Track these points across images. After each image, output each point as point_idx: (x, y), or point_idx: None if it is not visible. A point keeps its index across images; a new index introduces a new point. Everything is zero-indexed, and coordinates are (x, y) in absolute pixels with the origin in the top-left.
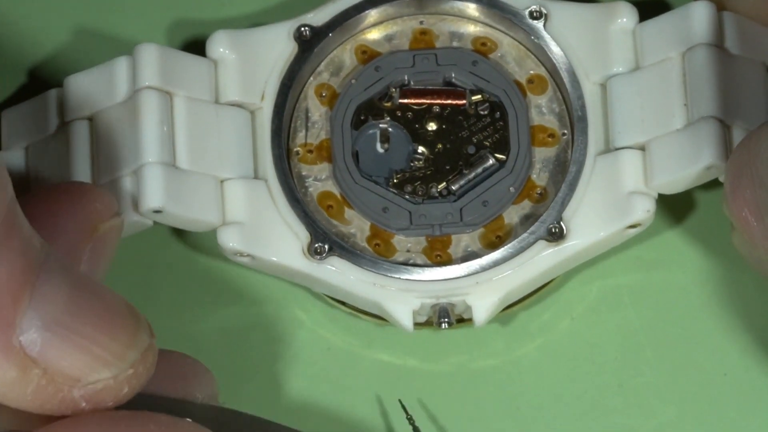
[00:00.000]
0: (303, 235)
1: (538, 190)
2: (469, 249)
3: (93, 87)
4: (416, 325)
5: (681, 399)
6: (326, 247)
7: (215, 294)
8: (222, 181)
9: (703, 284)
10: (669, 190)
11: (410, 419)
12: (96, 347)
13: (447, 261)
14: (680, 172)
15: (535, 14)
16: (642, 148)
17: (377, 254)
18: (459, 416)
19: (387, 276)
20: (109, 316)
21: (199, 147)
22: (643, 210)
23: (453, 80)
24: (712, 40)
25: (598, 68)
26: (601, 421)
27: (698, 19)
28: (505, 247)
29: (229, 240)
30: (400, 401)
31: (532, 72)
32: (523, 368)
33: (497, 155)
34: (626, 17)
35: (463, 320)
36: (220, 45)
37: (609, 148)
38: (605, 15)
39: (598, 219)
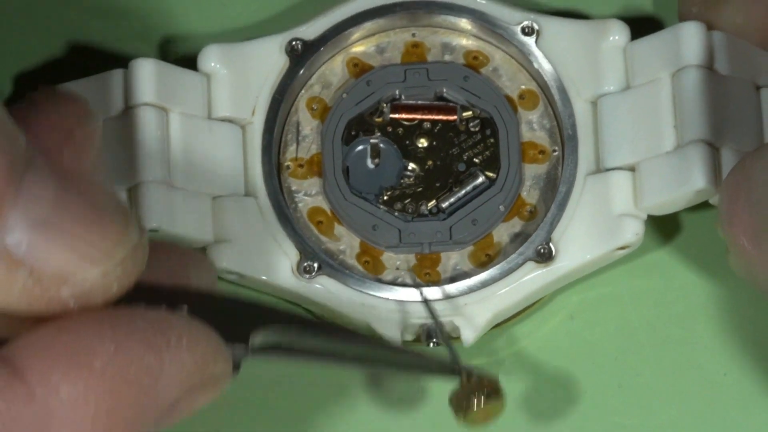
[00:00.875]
0: (292, 253)
1: (528, 208)
2: (458, 267)
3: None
4: (404, 342)
5: (681, 399)
6: (315, 265)
7: None
8: (213, 198)
9: (702, 284)
10: (659, 212)
11: (437, 322)
12: (84, 245)
13: (436, 279)
14: (670, 194)
15: (527, 30)
16: (632, 169)
17: (366, 271)
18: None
19: (375, 296)
20: (97, 212)
21: (193, 165)
22: (633, 233)
23: (444, 95)
24: (701, 61)
25: (590, 86)
26: (601, 421)
27: (687, 39)
28: (494, 268)
29: (219, 259)
30: (423, 295)
31: (523, 87)
32: (523, 368)
33: (487, 173)
34: (618, 34)
35: (452, 338)
36: (211, 59)
37: (599, 168)
38: (597, 32)
39: (587, 240)
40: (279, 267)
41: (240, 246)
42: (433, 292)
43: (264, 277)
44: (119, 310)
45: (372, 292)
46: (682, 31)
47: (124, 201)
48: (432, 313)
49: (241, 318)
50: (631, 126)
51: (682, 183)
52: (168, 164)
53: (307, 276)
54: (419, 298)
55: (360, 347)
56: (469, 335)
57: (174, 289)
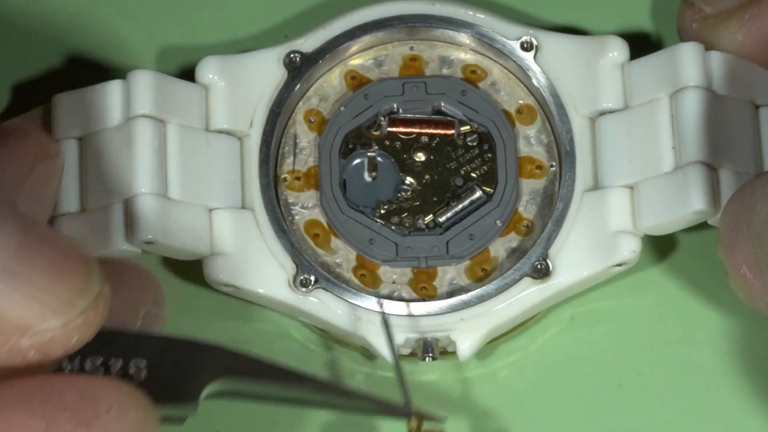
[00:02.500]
0: (289, 266)
1: (525, 223)
2: (454, 282)
3: (84, 108)
4: (400, 356)
5: (681, 399)
6: (312, 279)
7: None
8: (210, 211)
9: (703, 284)
10: (657, 232)
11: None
12: (46, 295)
13: (432, 294)
14: (668, 216)
15: (525, 45)
16: (630, 187)
17: (363, 284)
18: (460, 417)
19: (371, 310)
20: (59, 262)
21: (190, 177)
22: (630, 250)
23: (442, 109)
24: (699, 82)
25: (588, 102)
26: (601, 421)
27: (686, 60)
28: (491, 283)
29: (215, 271)
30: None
31: (521, 102)
32: (523, 368)
33: (485, 188)
34: (617, 51)
35: (447, 352)
36: (209, 71)
37: (597, 185)
38: (596, 48)
39: (584, 257)
40: (275, 280)
41: (236, 258)
42: (430, 307)
43: (260, 290)
44: (49, 381)
45: (368, 306)
46: (680, 51)
47: (84, 250)
48: (387, 330)
49: (193, 362)
50: (629, 146)
51: (681, 205)
52: (165, 176)
53: (303, 289)
54: (417, 313)
55: (313, 389)
56: (464, 352)
57: (125, 335)
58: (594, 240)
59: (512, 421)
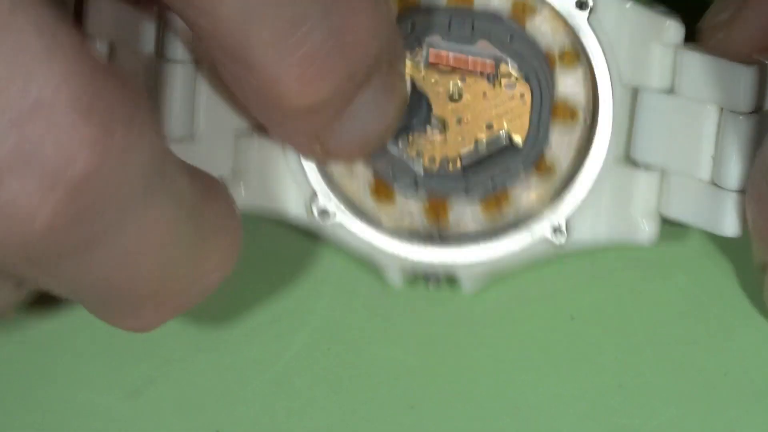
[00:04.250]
0: (308, 190)
1: (549, 174)
2: (469, 222)
3: None
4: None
5: (681, 399)
6: (330, 204)
7: None
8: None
9: (703, 284)
10: (675, 221)
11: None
12: None
13: (444, 228)
14: (694, 222)
15: (580, 4)
16: (661, 170)
17: (379, 211)
18: (458, 417)
19: (385, 238)
20: None
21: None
22: (649, 234)
23: (486, 50)
24: (752, 107)
25: (633, 74)
26: (601, 421)
27: (745, 84)
28: (505, 228)
29: (237, 193)
30: None
31: (566, 49)
32: (523, 368)
33: (513, 133)
34: (672, 33)
35: (453, 281)
36: None
37: (628, 156)
38: (651, 24)
39: (601, 226)
40: (294, 202)
41: (258, 180)
42: (441, 243)
43: (282, 211)
44: None
45: (382, 234)
46: (740, 72)
47: None
48: None
49: None
50: (669, 130)
51: (713, 223)
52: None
53: (321, 214)
54: (428, 244)
55: None
56: (469, 286)
57: None
58: (614, 213)
59: (511, 421)
